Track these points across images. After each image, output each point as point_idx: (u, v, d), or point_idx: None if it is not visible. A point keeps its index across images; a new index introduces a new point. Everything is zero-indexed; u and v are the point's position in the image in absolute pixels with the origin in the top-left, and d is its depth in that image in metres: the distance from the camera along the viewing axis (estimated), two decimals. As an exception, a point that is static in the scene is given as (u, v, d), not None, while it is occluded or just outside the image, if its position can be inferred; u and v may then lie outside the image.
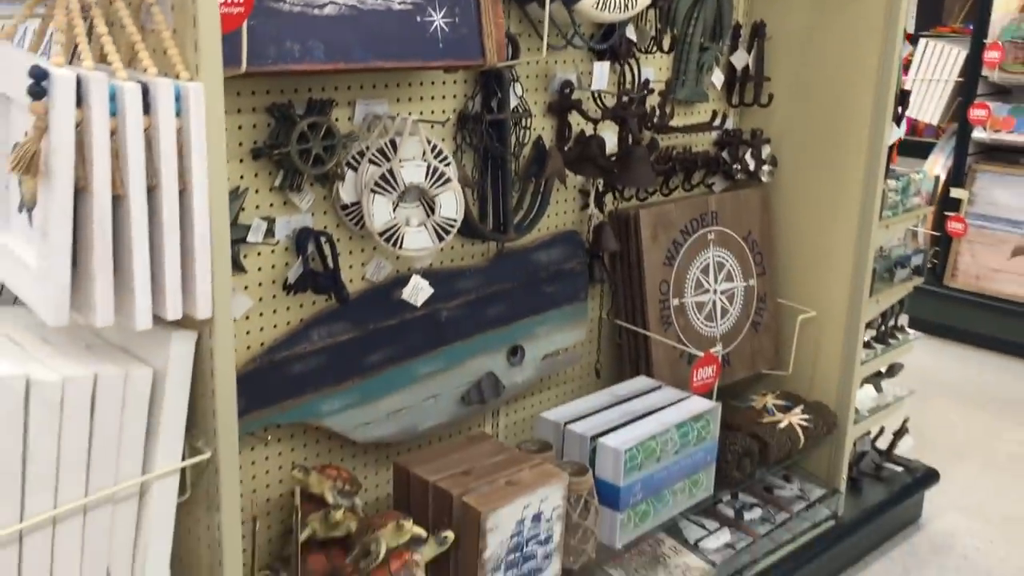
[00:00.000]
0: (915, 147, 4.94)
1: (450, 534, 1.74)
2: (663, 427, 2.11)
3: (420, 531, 1.71)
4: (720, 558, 2.31)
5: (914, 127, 5.09)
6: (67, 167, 1.11)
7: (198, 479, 1.39)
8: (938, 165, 4.77)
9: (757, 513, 2.51)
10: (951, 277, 4.73)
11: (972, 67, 4.56)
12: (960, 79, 4.63)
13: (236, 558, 1.39)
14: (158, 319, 1.25)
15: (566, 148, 2.22)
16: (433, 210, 1.83)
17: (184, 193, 1.22)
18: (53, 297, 1.14)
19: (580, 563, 1.98)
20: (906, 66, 4.84)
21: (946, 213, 4.65)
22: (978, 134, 4.59)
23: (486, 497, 1.79)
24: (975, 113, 4.50)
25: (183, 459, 1.33)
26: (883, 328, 2.86)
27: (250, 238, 1.73)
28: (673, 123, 2.41)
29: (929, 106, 4.73)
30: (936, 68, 4.70)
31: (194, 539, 1.43)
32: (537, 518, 1.85)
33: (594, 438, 2.06)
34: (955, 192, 4.62)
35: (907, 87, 2.47)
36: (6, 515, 1.17)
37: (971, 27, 4.61)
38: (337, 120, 1.80)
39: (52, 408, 1.18)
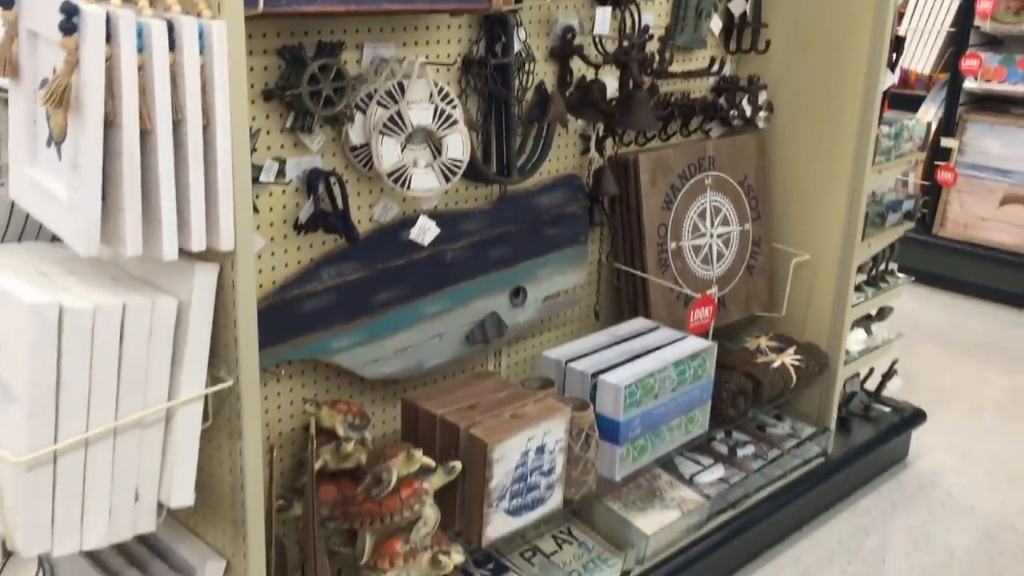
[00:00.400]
0: (905, 100, 4.97)
1: (458, 464, 1.80)
2: (661, 365, 2.17)
3: (429, 461, 1.77)
4: (714, 492, 2.40)
5: (905, 79, 5.12)
6: (97, 101, 1.15)
7: (220, 407, 1.44)
8: (929, 115, 4.81)
9: (750, 450, 2.59)
10: (940, 226, 4.80)
11: (964, 17, 4.59)
12: (952, 29, 4.66)
13: (258, 483, 1.45)
14: (182, 252, 1.30)
15: (567, 93, 2.25)
16: (440, 152, 1.87)
17: (207, 129, 1.26)
18: (85, 228, 1.19)
19: (581, 494, 2.06)
20: (900, 15, 4.87)
21: (936, 163, 4.70)
22: (969, 84, 4.63)
23: (492, 429, 1.85)
24: (967, 63, 4.53)
25: (206, 387, 1.39)
26: (874, 272, 2.92)
27: (262, 178, 1.77)
28: (672, 69, 2.44)
29: (921, 56, 4.76)
30: (929, 18, 4.73)
31: (216, 465, 1.49)
32: (541, 450, 1.92)
33: (595, 375, 2.12)
34: (945, 142, 4.66)
35: (901, 35, 2.50)
36: (41, 437, 1.23)
37: (964, -23, 4.62)
38: (346, 63, 1.83)
39: (84, 335, 1.23)
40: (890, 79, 2.54)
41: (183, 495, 1.40)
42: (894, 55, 2.53)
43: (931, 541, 2.72)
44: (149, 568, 1.54)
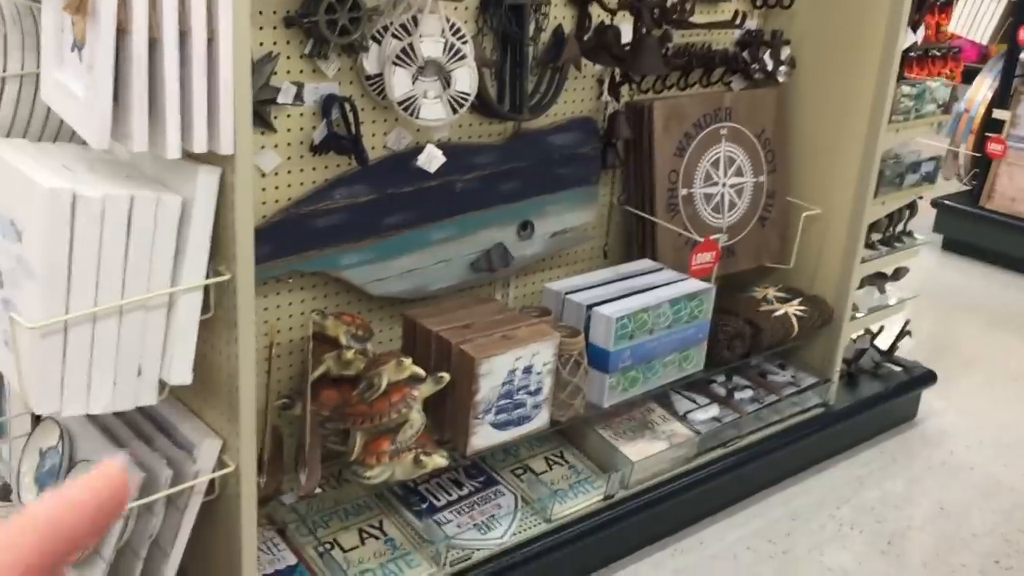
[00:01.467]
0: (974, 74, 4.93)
1: (445, 375, 1.94)
2: (656, 301, 2.27)
3: (418, 370, 1.91)
4: (705, 429, 2.50)
5: (986, 53, 5.03)
6: (110, 9, 1.29)
7: (220, 299, 1.59)
8: (984, 86, 4.76)
9: (748, 394, 2.69)
10: (988, 199, 4.76)
11: (1026, -13, 4.52)
12: (1014, -1, 4.59)
13: (250, 368, 1.60)
14: (189, 155, 1.44)
15: (585, 37, 2.34)
16: (449, 84, 1.99)
17: (212, 42, 1.39)
18: (96, 122, 1.34)
19: (568, 417, 2.18)
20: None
21: (987, 134, 4.66)
22: (1027, 56, 4.56)
23: (481, 346, 1.99)
24: (1025, 34, 4.47)
25: (206, 278, 1.54)
26: (890, 231, 2.97)
27: (280, 99, 1.91)
28: (696, 20, 2.51)
29: (979, 26, 4.70)
30: (990, -14, 4.66)
31: (216, 353, 1.65)
32: (528, 370, 2.05)
33: (590, 307, 2.23)
34: (998, 113, 4.62)
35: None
36: (54, 308, 1.39)
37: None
38: (365, -4, 1.95)
39: (93, 220, 1.39)
40: (911, 38, 2.58)
41: (182, 374, 1.56)
42: (917, 15, 2.56)
43: (924, 495, 2.79)
44: (154, 442, 1.71)
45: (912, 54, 7.78)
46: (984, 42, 4.72)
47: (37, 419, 1.87)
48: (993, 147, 4.63)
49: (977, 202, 4.78)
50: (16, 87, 1.64)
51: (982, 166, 4.74)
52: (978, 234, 4.75)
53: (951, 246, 4.87)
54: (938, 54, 8.28)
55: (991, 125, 4.68)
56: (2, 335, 1.50)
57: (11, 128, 1.65)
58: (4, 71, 1.63)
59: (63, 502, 0.43)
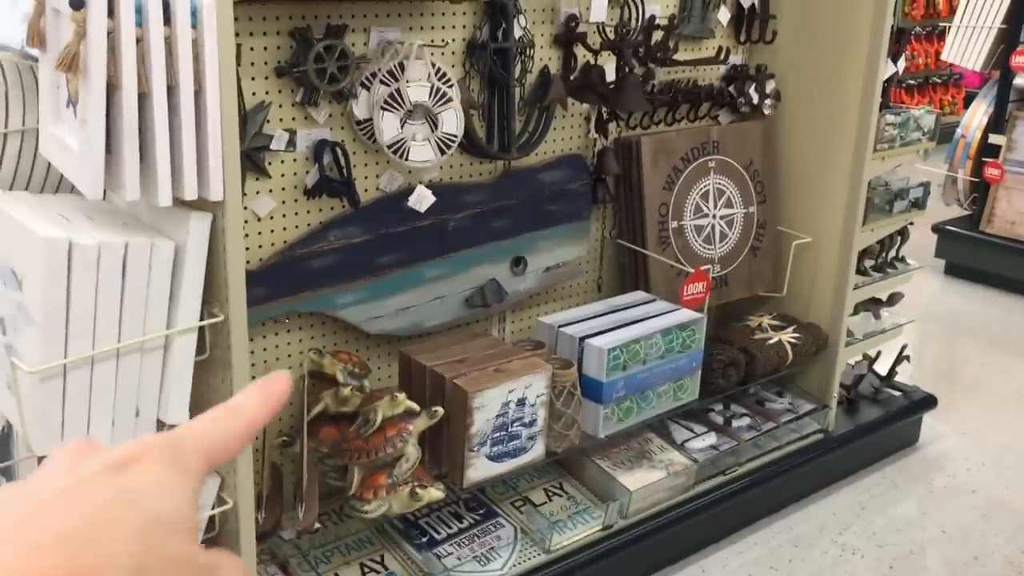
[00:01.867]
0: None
1: (439, 409, 1.98)
2: (649, 332, 2.32)
3: (413, 405, 1.96)
4: (703, 457, 2.53)
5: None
6: (101, 66, 1.36)
7: (215, 340, 1.65)
8: (979, 112, 4.81)
9: (745, 421, 2.71)
10: (987, 223, 4.79)
11: (1016, 13, 4.58)
12: (1004, 26, 4.65)
13: (245, 407, 1.65)
14: (180, 203, 1.50)
15: (571, 77, 2.41)
16: (436, 126, 2.06)
17: (199, 94, 1.46)
18: (90, 173, 1.40)
19: (563, 447, 2.22)
20: (952, 10, 4.87)
21: (984, 159, 4.71)
22: (1020, 81, 4.62)
23: (475, 380, 2.03)
24: (1017, 60, 4.53)
25: (200, 320, 1.59)
26: (883, 257, 3.00)
27: (273, 146, 1.98)
28: (680, 57, 2.58)
29: (972, 53, 4.76)
30: (980, 15, 4.72)
31: (212, 392, 1.70)
32: (522, 402, 2.09)
33: (583, 339, 2.28)
34: (994, 138, 4.67)
35: (901, 26, 2.59)
36: (53, 352, 1.45)
37: (1018, -27, 4.61)
38: (354, 45, 2.03)
39: (89, 267, 1.44)
40: (891, 69, 2.63)
41: (178, 414, 1.61)
42: (896, 46, 2.62)
43: (926, 518, 2.80)
44: (155, 481, 1.75)
45: (912, 82, 7.82)
46: (977, 69, 4.78)
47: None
48: (990, 172, 4.67)
49: (977, 226, 4.81)
50: (18, 142, 1.71)
51: (981, 190, 4.78)
52: (979, 258, 4.78)
53: (953, 270, 4.90)
54: (938, 81, 8.33)
55: (988, 150, 4.72)
56: (5, 379, 1.56)
57: (13, 181, 1.72)
58: (6, 127, 1.70)
59: (229, 411, 0.48)
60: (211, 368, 1.68)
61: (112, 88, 1.39)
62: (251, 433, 0.48)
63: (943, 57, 5.06)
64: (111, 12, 1.36)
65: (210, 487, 1.72)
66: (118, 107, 1.40)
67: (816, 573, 2.53)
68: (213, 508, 1.71)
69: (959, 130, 4.91)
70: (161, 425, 1.62)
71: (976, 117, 4.84)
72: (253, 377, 1.86)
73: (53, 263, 1.41)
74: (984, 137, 4.74)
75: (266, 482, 1.92)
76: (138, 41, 1.39)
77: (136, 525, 0.40)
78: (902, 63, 2.73)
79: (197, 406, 1.66)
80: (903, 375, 3.25)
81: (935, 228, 4.92)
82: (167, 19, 1.40)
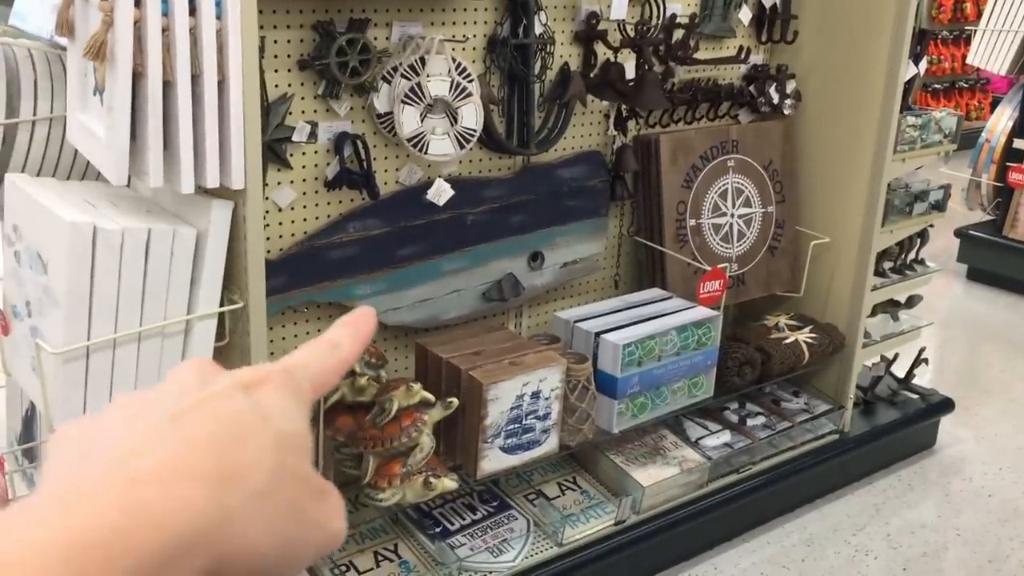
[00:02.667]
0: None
1: (455, 400, 2.01)
2: (664, 329, 2.33)
3: (428, 395, 1.98)
4: (717, 454, 2.54)
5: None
6: (127, 55, 1.39)
7: (235, 327, 1.68)
8: (1004, 116, 4.79)
9: (760, 420, 2.72)
10: (1011, 228, 4.76)
11: (1043, 18, 4.55)
12: (1031, 30, 4.62)
13: (263, 393, 1.68)
14: (202, 191, 1.53)
15: (591, 74, 2.43)
16: (456, 120, 2.08)
17: (223, 84, 1.49)
18: (115, 160, 1.44)
19: (577, 441, 2.23)
20: (979, 13, 4.84)
21: (1008, 164, 4.68)
22: (1046, 85, 4.59)
23: (490, 372, 2.05)
24: (1043, 64, 4.50)
25: (220, 306, 1.62)
26: (903, 259, 3.00)
27: (295, 138, 2.01)
28: (701, 56, 2.60)
29: (998, 57, 4.73)
30: (1007, 18, 4.69)
31: (231, 378, 1.73)
32: (536, 395, 2.11)
33: (598, 334, 2.29)
34: (1018, 143, 4.64)
35: (924, 27, 2.59)
36: (76, 334, 1.48)
37: (1046, -23, 4.59)
38: (376, 39, 2.05)
39: (113, 252, 1.48)
40: (912, 71, 2.63)
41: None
42: (918, 47, 2.62)
43: (941, 521, 2.79)
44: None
45: (938, 86, 7.77)
46: (1003, 73, 4.75)
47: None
48: (1014, 176, 4.64)
49: (1000, 231, 4.78)
50: (46, 129, 1.75)
51: (1004, 195, 4.75)
52: (1002, 263, 4.75)
53: (975, 275, 4.87)
54: (965, 85, 8.27)
55: (1012, 155, 4.69)
56: (30, 361, 1.59)
57: (41, 167, 1.76)
58: (35, 115, 1.74)
59: (328, 345, 0.51)
60: (230, 355, 1.71)
61: (138, 76, 1.43)
62: (346, 367, 0.51)
63: (968, 61, 5.03)
64: (138, 2, 1.39)
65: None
66: (143, 95, 1.44)
67: (829, 573, 2.54)
68: (230, 492, 1.74)
69: (983, 134, 4.88)
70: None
71: (1001, 121, 4.81)
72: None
73: (78, 247, 1.45)
74: (1009, 142, 4.71)
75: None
76: (164, 31, 1.42)
77: (270, 436, 0.42)
78: (924, 65, 2.73)
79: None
80: (922, 378, 3.25)
81: (958, 232, 4.89)
82: (192, 10, 1.43)
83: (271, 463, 0.41)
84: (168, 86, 1.45)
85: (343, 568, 2.09)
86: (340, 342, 0.51)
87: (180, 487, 0.38)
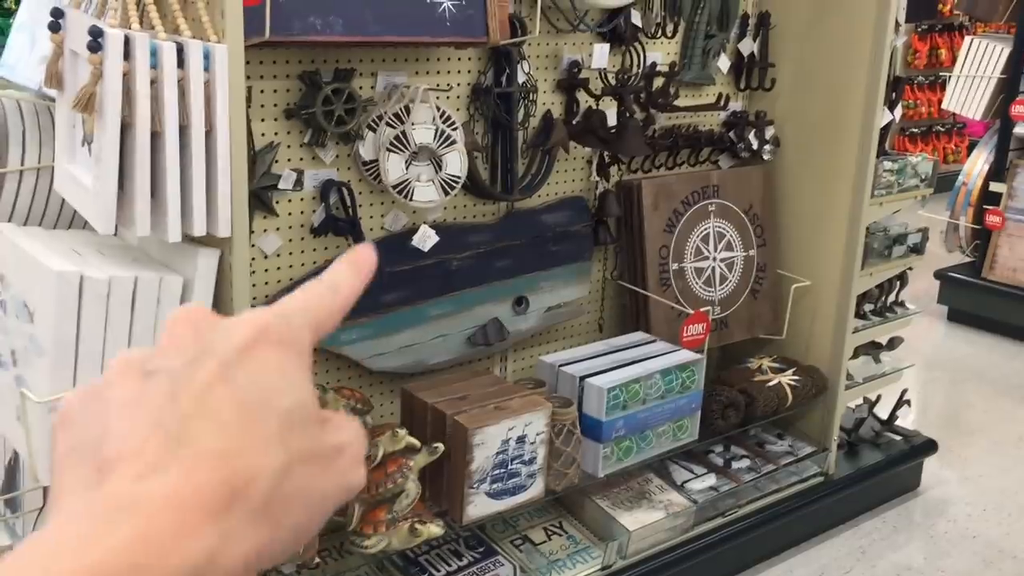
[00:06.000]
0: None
1: (440, 445, 2.01)
2: (648, 372, 2.34)
3: (414, 441, 1.98)
4: (702, 498, 2.54)
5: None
6: (116, 106, 1.41)
7: (220, 374, 1.68)
8: (981, 159, 4.87)
9: (745, 463, 2.73)
10: (990, 270, 4.82)
11: (1015, 63, 4.65)
12: (1003, 76, 4.71)
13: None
14: (189, 239, 1.55)
15: (574, 121, 2.47)
16: (440, 168, 2.10)
17: (210, 134, 1.51)
18: (102, 209, 1.45)
19: (563, 486, 2.24)
20: (953, 59, 4.93)
21: (986, 207, 4.75)
22: (1020, 130, 4.67)
23: (475, 417, 2.06)
24: (1016, 109, 4.59)
25: (206, 354, 1.63)
26: (883, 301, 3.03)
27: (281, 185, 2.03)
28: (681, 103, 2.64)
29: (972, 102, 4.82)
30: (981, 65, 4.79)
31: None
32: (521, 440, 2.11)
33: (583, 378, 2.31)
34: (994, 186, 4.71)
35: (899, 74, 2.65)
36: (61, 383, 1.49)
37: (1017, 25, 4.69)
38: (361, 89, 2.08)
39: (100, 300, 1.49)
40: (888, 117, 2.68)
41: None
42: (893, 94, 2.67)
43: (926, 563, 2.80)
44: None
45: (915, 130, 7.90)
46: (977, 118, 4.85)
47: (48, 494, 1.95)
48: (992, 219, 4.71)
49: (980, 273, 4.84)
50: (33, 179, 1.76)
51: (983, 237, 4.82)
52: (982, 304, 4.80)
53: (956, 316, 4.92)
54: (941, 129, 8.40)
55: (989, 198, 4.76)
56: (15, 411, 1.59)
57: (28, 216, 1.77)
58: (23, 164, 1.75)
59: (326, 286, 0.50)
60: (216, 401, 1.71)
61: (126, 127, 1.45)
62: (347, 307, 0.50)
63: (944, 106, 5.13)
64: (127, 55, 1.41)
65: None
66: (131, 145, 1.45)
67: (816, 616, 2.53)
68: (215, 540, 1.73)
69: (960, 177, 4.96)
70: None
71: (977, 165, 4.89)
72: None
73: (64, 296, 1.45)
74: (985, 185, 4.78)
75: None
76: (152, 83, 1.44)
77: (273, 427, 0.42)
78: (899, 111, 2.78)
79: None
80: (905, 420, 3.27)
81: (937, 274, 4.94)
82: (180, 62, 1.46)
83: (278, 459, 0.41)
84: (156, 136, 1.47)
85: (328, 616, 2.07)
86: (339, 283, 0.50)
87: (191, 517, 0.38)
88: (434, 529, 1.97)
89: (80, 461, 0.42)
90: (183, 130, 1.48)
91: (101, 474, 0.40)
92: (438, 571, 2.24)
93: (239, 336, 0.44)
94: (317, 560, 1.97)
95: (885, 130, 2.71)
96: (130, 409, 0.42)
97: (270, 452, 0.41)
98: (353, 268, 0.51)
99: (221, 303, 1.64)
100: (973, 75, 4.81)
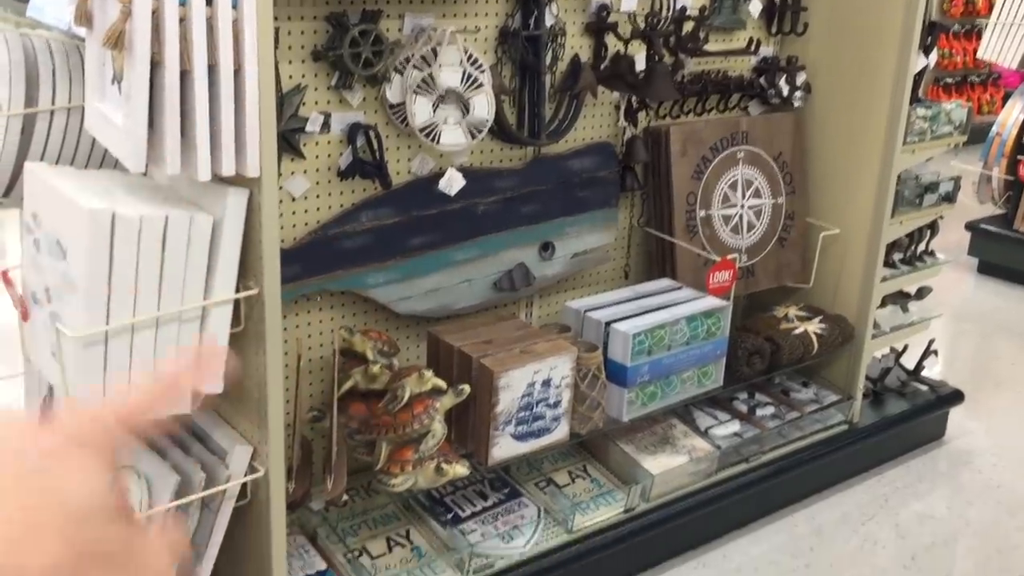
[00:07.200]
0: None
1: (466, 387, 2.03)
2: (674, 318, 2.35)
3: (440, 383, 2.00)
4: (726, 444, 2.56)
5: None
6: (145, 44, 1.41)
7: (250, 314, 1.70)
8: (1016, 109, 4.78)
9: (769, 411, 2.73)
10: (1022, 222, 4.76)
11: (1055, 10, 4.55)
12: (1042, 22, 4.61)
13: (278, 378, 1.70)
14: (218, 179, 1.56)
15: (602, 66, 2.44)
16: (468, 111, 2.10)
17: (239, 73, 1.51)
18: (133, 147, 1.46)
19: (587, 429, 2.26)
20: (990, 6, 4.83)
21: (1019, 157, 4.67)
22: (1057, 79, 4.58)
23: (501, 360, 2.08)
24: (1054, 57, 4.49)
25: (236, 293, 1.65)
26: (912, 251, 3.01)
27: (308, 128, 2.03)
28: (711, 48, 2.61)
29: (1009, 51, 4.72)
30: (1019, 12, 4.68)
31: (247, 365, 1.76)
32: (547, 383, 2.13)
33: (608, 324, 2.31)
34: (1029, 136, 4.63)
35: (935, 19, 2.60)
36: (95, 319, 1.51)
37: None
38: (388, 31, 2.07)
39: (131, 239, 1.50)
40: (922, 62, 2.64)
41: (214, 384, 1.67)
42: (928, 39, 2.63)
43: (949, 511, 2.80)
44: (190, 449, 1.82)
45: (950, 80, 7.77)
46: (1013, 67, 4.75)
47: (82, 430, 1.99)
48: (1025, 170, 4.63)
49: (1011, 225, 4.78)
50: (64, 119, 1.77)
51: (1016, 189, 4.75)
52: (1013, 257, 4.74)
53: (986, 269, 4.87)
54: (977, 80, 8.26)
55: (1021, 148, 4.68)
56: (50, 347, 1.62)
57: (59, 156, 1.78)
58: (54, 104, 1.76)
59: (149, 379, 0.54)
60: (246, 341, 1.74)
61: (156, 65, 1.45)
62: (168, 397, 0.54)
63: (979, 55, 5.03)
64: (156, -8, 1.41)
65: (241, 456, 1.78)
66: (161, 84, 1.46)
67: (837, 563, 2.55)
68: (245, 476, 1.77)
69: (995, 127, 4.88)
70: (198, 395, 1.68)
71: (1012, 115, 4.80)
72: (286, 353, 1.92)
73: (97, 234, 1.47)
74: (1020, 135, 4.70)
75: (296, 455, 1.98)
76: (181, 20, 1.44)
77: (59, 523, 0.45)
78: (934, 57, 2.73)
79: (232, 389, 1.72)
80: (931, 370, 3.26)
81: (968, 226, 4.89)
82: (209, 0, 1.45)
83: (58, 554, 0.44)
84: (185, 75, 1.47)
85: (356, 553, 2.12)
86: (163, 375, 0.54)
87: None
88: (460, 469, 2.00)
89: None
90: (212, 69, 1.49)
91: None
92: (463, 511, 2.28)
93: (45, 444, 0.47)
94: (345, 498, 2.00)
95: (919, 76, 2.67)
96: None
97: (52, 546, 0.44)
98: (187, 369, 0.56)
99: (250, 244, 1.65)
100: (1010, 23, 4.71)
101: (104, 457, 0.49)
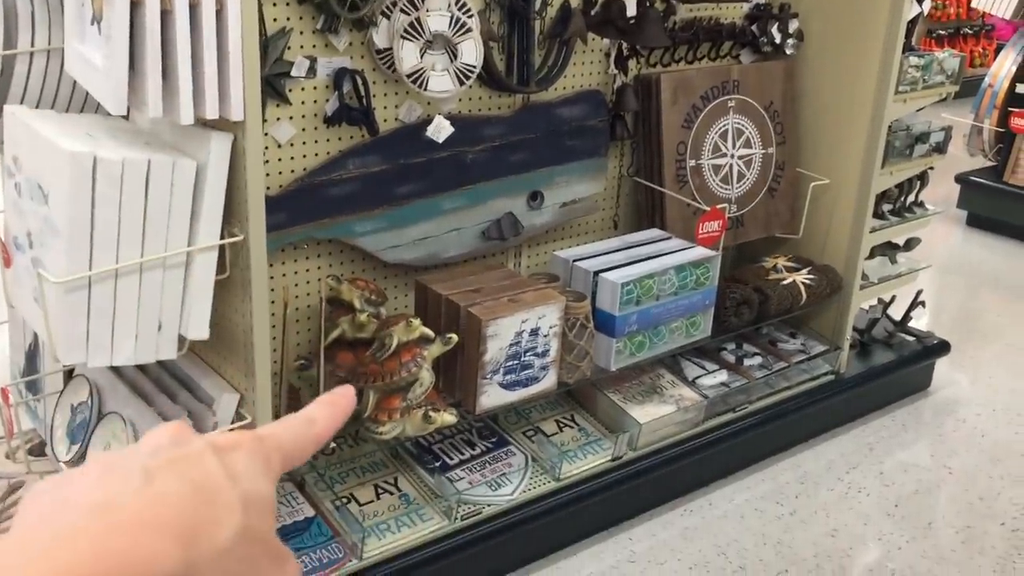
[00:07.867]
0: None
1: (454, 336, 2.02)
2: (662, 268, 2.34)
3: (428, 331, 2.00)
4: (714, 393, 2.57)
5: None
6: (124, -17, 1.38)
7: (235, 260, 1.69)
8: (1008, 61, 4.75)
9: (757, 361, 2.74)
10: (1011, 174, 4.76)
11: (1050, -40, 4.50)
12: (1037, -28, 4.57)
13: (264, 325, 1.69)
14: (202, 124, 1.53)
15: (592, 12, 2.41)
16: (456, 57, 2.07)
17: (221, 12, 1.48)
18: (113, 88, 1.43)
19: (575, 378, 2.26)
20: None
21: (1011, 109, 4.66)
22: (1050, 30, 4.55)
23: (489, 309, 2.07)
24: (1048, 8, 4.46)
25: (221, 239, 1.63)
26: (902, 201, 3.00)
27: (294, 73, 1.99)
28: (702, -6, 2.58)
29: (1002, 2, 4.69)
30: (1013, -39, 4.64)
31: (232, 312, 1.75)
32: (535, 332, 2.13)
33: (597, 273, 2.31)
34: (1021, 88, 4.61)
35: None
36: (78, 264, 1.49)
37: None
38: (375, -27, 2.03)
39: (113, 182, 1.48)
40: (915, 10, 2.61)
41: (199, 329, 1.66)
42: (921, -14, 2.60)
43: (933, 460, 2.83)
44: (177, 396, 1.81)
45: (942, 32, 7.72)
46: (1007, 18, 4.71)
47: (68, 377, 1.99)
48: (1017, 121, 4.62)
49: (1001, 177, 4.77)
50: (43, 61, 1.74)
51: (1006, 141, 4.74)
52: (1002, 209, 4.75)
53: (975, 221, 4.88)
54: (969, 32, 8.21)
55: (1015, 100, 4.67)
56: (32, 292, 1.61)
57: (40, 99, 1.75)
58: (32, 46, 1.73)
59: (303, 420, 0.54)
60: (232, 288, 1.73)
61: (136, 5, 1.42)
62: (321, 442, 0.54)
63: (973, 5, 4.98)
64: (135, -71, 1.37)
65: (228, 403, 1.78)
66: (141, 24, 1.43)
67: (822, 509, 2.58)
68: (232, 423, 1.77)
69: (986, 79, 4.86)
70: (182, 340, 1.67)
71: (1004, 66, 4.78)
72: (272, 302, 1.91)
73: (78, 177, 1.45)
74: (1012, 87, 4.68)
75: (283, 403, 1.97)
76: (161, -41, 1.41)
77: (237, 496, 0.45)
78: (927, 4, 2.70)
79: (217, 325, 1.71)
80: (919, 321, 3.27)
81: (958, 178, 4.89)
82: (190, -63, 1.42)
83: (236, 522, 0.44)
84: (166, 15, 1.44)
85: (344, 500, 2.12)
86: (316, 418, 0.54)
87: (151, 539, 0.40)
88: (447, 417, 2.00)
89: (44, 508, 0.43)
90: (193, 9, 1.46)
91: (66, 507, 0.42)
92: (451, 459, 2.28)
93: (215, 439, 0.48)
94: (333, 445, 2.00)
95: (912, 24, 2.64)
96: (101, 475, 0.44)
97: (233, 511, 0.44)
98: (331, 408, 0.55)
99: (234, 189, 1.63)
100: (1005, -28, 4.66)
101: (271, 471, 0.49)
